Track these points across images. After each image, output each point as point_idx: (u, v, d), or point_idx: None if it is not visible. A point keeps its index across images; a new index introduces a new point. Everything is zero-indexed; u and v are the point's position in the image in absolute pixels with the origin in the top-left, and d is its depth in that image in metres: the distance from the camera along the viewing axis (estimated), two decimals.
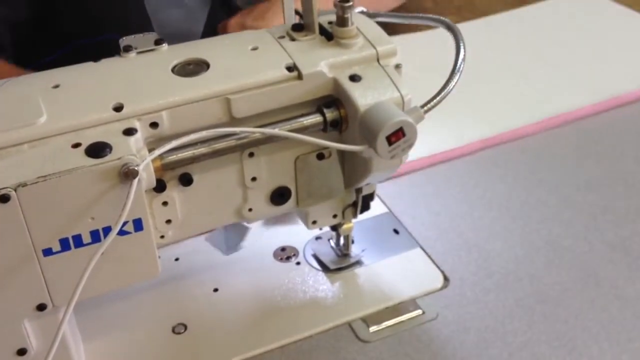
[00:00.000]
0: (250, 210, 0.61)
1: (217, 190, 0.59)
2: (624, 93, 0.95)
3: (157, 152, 0.50)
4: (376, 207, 0.76)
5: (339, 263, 0.71)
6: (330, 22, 0.59)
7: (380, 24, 0.61)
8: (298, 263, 0.72)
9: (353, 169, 0.62)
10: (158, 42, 0.57)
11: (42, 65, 0.59)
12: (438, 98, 0.57)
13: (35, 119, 0.50)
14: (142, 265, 0.53)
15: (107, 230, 0.50)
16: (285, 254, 0.73)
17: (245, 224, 0.71)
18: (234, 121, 0.55)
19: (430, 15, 0.61)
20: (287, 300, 0.68)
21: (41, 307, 0.51)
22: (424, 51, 1.04)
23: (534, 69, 1.04)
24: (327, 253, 0.72)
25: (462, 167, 0.85)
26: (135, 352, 0.64)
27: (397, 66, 0.59)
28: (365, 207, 0.67)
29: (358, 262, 0.72)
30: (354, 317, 0.67)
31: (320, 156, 0.61)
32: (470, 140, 0.88)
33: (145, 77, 0.55)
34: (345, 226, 0.68)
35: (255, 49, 0.58)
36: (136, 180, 0.48)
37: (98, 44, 0.69)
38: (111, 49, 0.57)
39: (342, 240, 0.71)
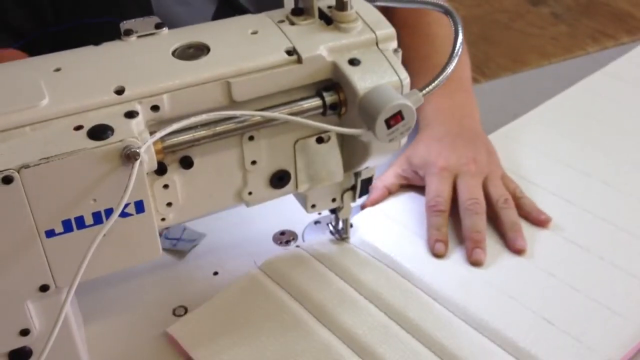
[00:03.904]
0: (250, 193, 0.61)
1: (217, 173, 0.59)
2: None
3: (158, 135, 0.51)
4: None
5: None
6: (329, 7, 0.59)
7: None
8: (297, 247, 0.73)
9: (352, 153, 0.62)
10: (159, 26, 0.57)
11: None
12: (437, 82, 0.58)
13: (37, 101, 0.50)
14: (143, 247, 0.54)
15: (109, 212, 0.50)
16: (284, 237, 0.74)
17: None
18: (234, 104, 0.55)
19: (429, 0, 0.62)
20: None
21: (44, 288, 0.52)
22: None
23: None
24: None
25: None
26: (136, 334, 0.65)
27: (396, 50, 0.59)
28: (364, 190, 0.67)
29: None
30: None
31: (320, 140, 0.61)
32: None
33: (146, 61, 0.55)
34: (344, 210, 0.69)
35: (255, 33, 0.58)
36: (138, 162, 0.49)
37: (98, 25, 0.69)
38: (112, 32, 0.57)
39: (340, 224, 0.72)
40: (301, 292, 0.66)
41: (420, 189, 0.78)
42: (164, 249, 0.70)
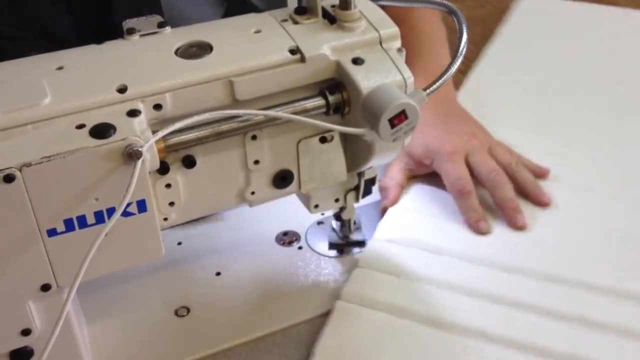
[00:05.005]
0: (252, 193, 0.61)
1: (219, 173, 0.59)
2: None
3: (160, 134, 0.51)
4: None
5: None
6: (333, 6, 0.59)
7: None
8: (300, 247, 0.72)
9: (355, 153, 0.62)
10: (161, 25, 0.57)
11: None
12: (440, 81, 0.57)
13: (39, 100, 0.50)
14: (145, 246, 0.54)
15: (111, 211, 0.50)
16: (287, 238, 0.74)
17: None
18: (237, 104, 0.55)
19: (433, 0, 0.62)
20: (288, 284, 0.69)
21: (45, 288, 0.51)
22: None
23: None
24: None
25: None
26: (138, 334, 0.64)
27: (400, 50, 0.59)
28: (367, 191, 0.67)
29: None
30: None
31: (323, 139, 0.61)
32: None
33: (148, 59, 0.55)
34: (347, 210, 0.68)
35: (258, 32, 0.58)
36: (140, 161, 0.48)
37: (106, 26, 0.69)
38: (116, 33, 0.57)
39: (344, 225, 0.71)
40: (406, 310, 0.64)
41: (423, 178, 0.79)
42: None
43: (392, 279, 0.67)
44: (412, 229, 0.73)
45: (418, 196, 0.77)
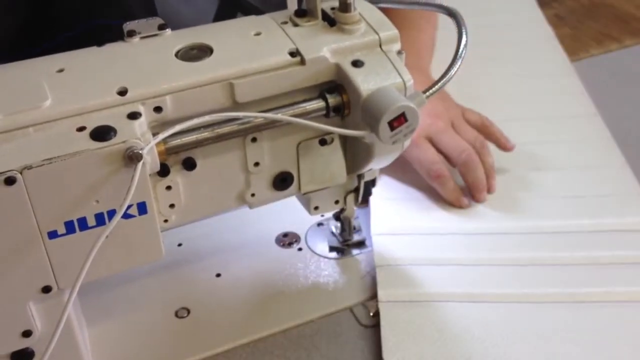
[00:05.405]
0: (252, 195, 0.61)
1: (220, 175, 0.59)
2: None
3: (161, 136, 0.51)
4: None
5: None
6: (332, 8, 0.59)
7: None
8: (300, 249, 0.73)
9: (355, 155, 0.62)
10: (162, 27, 0.57)
11: (43, 50, 0.59)
12: (440, 84, 0.58)
13: (40, 102, 0.50)
14: (146, 248, 0.54)
15: (111, 213, 0.50)
16: (287, 239, 0.74)
17: None
18: (237, 106, 0.55)
19: (432, 2, 0.62)
20: (288, 285, 0.69)
21: (46, 290, 0.52)
22: None
23: None
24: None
25: None
26: (139, 336, 0.65)
27: (399, 52, 0.59)
28: (367, 193, 0.67)
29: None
30: (355, 302, 0.67)
31: (323, 142, 0.61)
32: None
33: (149, 62, 0.55)
34: (347, 212, 0.69)
35: (258, 34, 0.58)
36: (140, 163, 0.48)
37: (99, 28, 0.69)
38: (111, 35, 0.57)
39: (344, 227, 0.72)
40: (433, 293, 0.67)
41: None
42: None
43: (410, 268, 0.69)
44: (402, 217, 0.75)
45: (391, 184, 0.80)
